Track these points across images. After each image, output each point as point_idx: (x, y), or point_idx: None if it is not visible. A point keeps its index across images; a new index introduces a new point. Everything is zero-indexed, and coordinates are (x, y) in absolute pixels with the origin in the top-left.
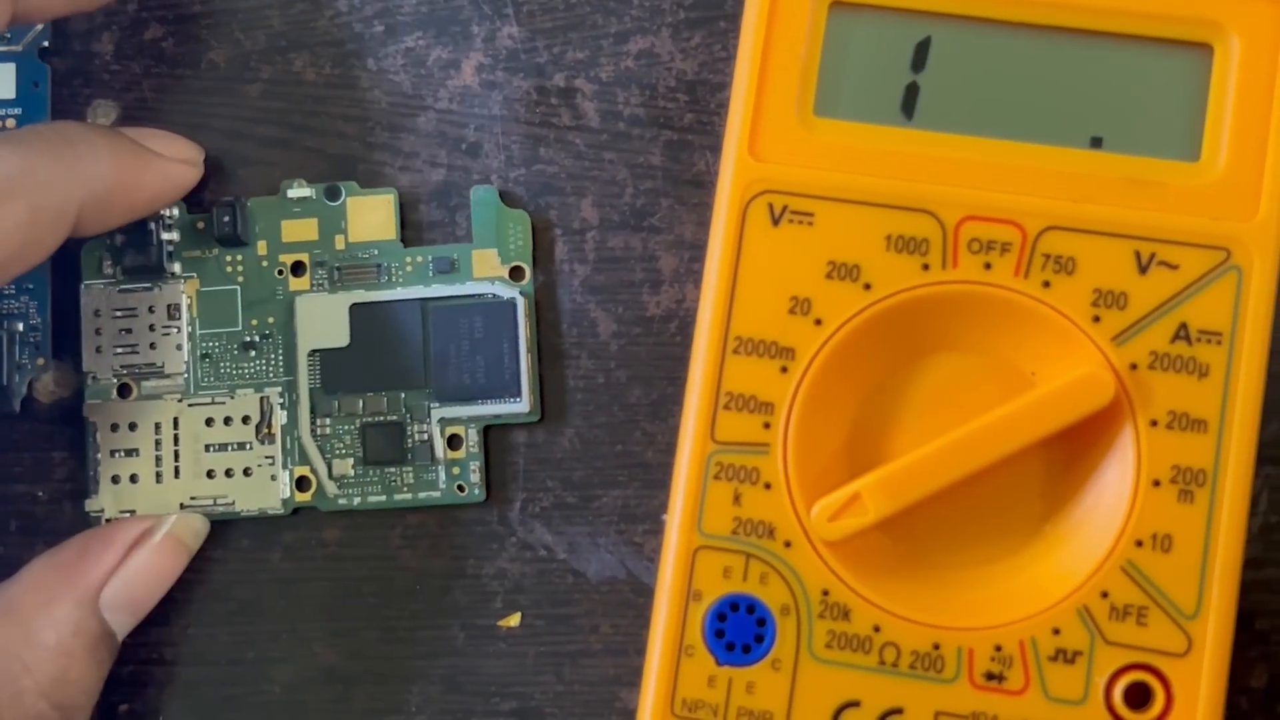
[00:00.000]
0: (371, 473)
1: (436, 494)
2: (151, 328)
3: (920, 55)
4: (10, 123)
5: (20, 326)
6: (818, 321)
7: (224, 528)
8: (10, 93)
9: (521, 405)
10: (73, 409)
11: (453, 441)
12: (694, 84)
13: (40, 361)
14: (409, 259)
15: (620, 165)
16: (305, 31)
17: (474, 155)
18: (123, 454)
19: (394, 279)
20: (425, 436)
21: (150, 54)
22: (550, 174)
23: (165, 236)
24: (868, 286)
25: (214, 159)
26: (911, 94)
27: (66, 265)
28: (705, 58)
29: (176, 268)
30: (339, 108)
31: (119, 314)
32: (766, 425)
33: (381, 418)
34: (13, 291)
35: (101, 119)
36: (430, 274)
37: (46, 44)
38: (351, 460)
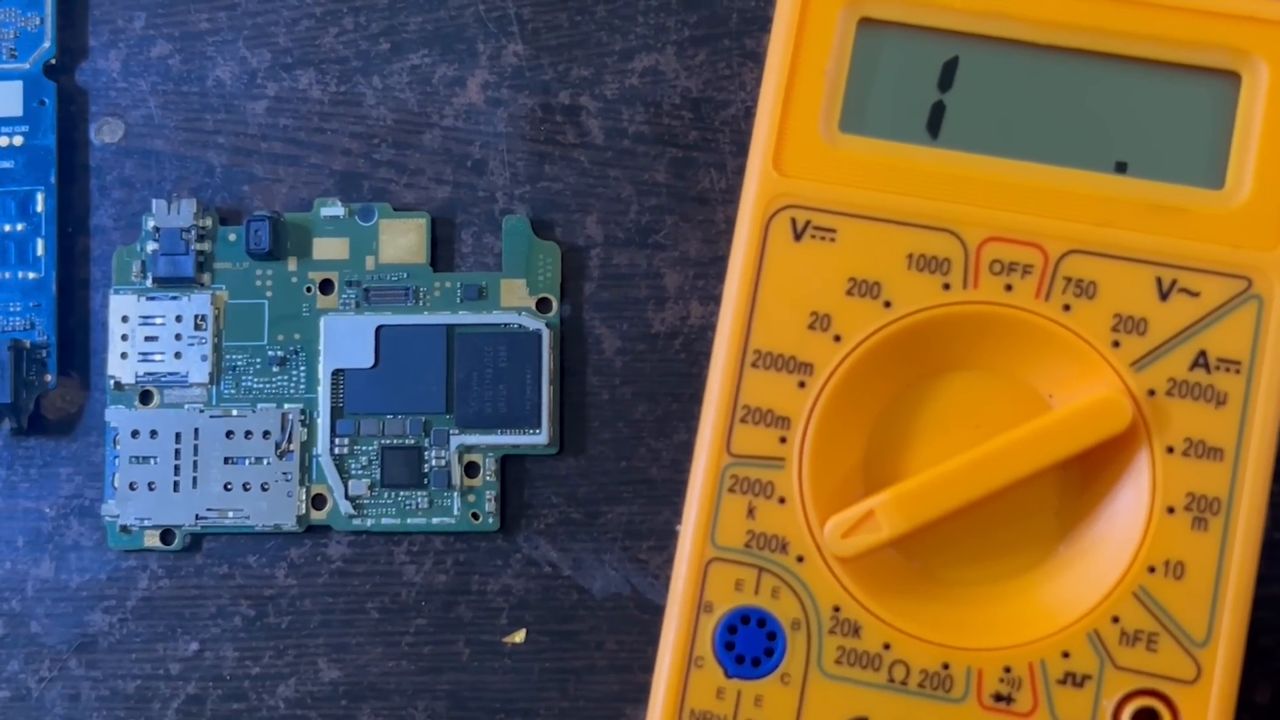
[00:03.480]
0: (387, 495)
1: (451, 520)
2: (178, 337)
3: (947, 75)
4: (17, 140)
5: (28, 343)
6: (837, 338)
7: (231, 543)
8: (17, 110)
9: (541, 437)
10: (79, 425)
11: (470, 469)
12: (698, 101)
13: (47, 378)
14: (438, 284)
15: (625, 182)
16: (311, 49)
17: (479, 172)
18: (141, 461)
19: (422, 303)
20: (443, 462)
21: (157, 71)
22: (555, 191)
23: (197, 247)
24: (888, 304)
25: (220, 176)
26: (937, 113)
27: (75, 281)
28: (710, 75)
29: (206, 279)
30: (344, 125)
31: (146, 321)
32: (783, 439)
33: (401, 441)
34: (19, 309)
35: (108, 136)
36: (458, 300)
37: (53, 61)
38: (368, 481)
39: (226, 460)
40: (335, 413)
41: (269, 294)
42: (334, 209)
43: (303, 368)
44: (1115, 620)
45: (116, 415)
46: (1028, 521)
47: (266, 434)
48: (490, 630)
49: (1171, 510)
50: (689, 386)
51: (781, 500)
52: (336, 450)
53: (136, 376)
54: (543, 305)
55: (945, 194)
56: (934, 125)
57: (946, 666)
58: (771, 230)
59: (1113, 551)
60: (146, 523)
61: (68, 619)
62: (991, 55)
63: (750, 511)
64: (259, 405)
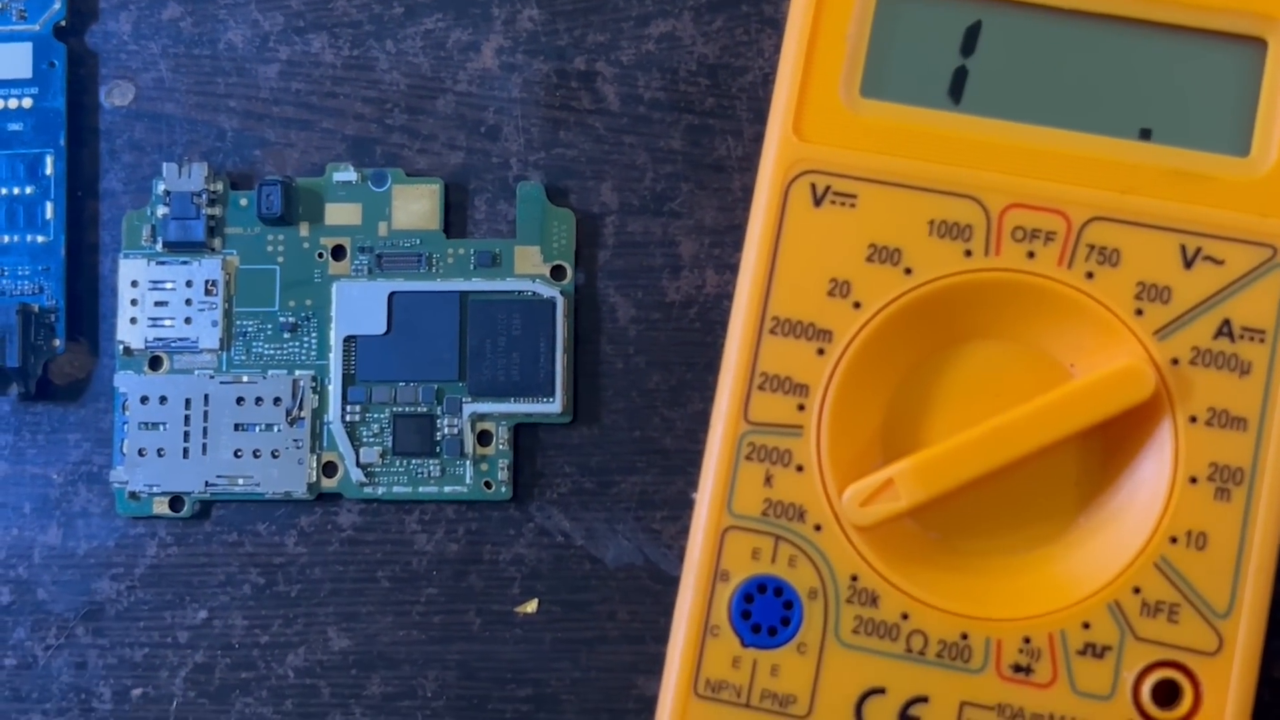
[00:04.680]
0: (399, 463)
1: (463, 489)
2: (188, 302)
3: (970, 39)
4: (27, 102)
5: (36, 308)
6: (856, 304)
7: (240, 510)
8: (26, 72)
9: (554, 406)
10: (88, 391)
11: (483, 437)
12: (715, 68)
13: (56, 343)
14: (451, 250)
15: (640, 149)
16: (324, 12)
17: (493, 138)
18: (150, 427)
19: (435, 270)
20: (456, 430)
21: (168, 34)
22: (570, 158)
23: (208, 211)
24: (908, 271)
25: (231, 140)
26: (960, 78)
27: (84, 245)
28: (727, 41)
29: (217, 243)
30: (357, 89)
31: (156, 286)
32: (801, 407)
33: (413, 408)
34: (28, 273)
35: (118, 99)
36: (471, 267)
37: (63, 23)
38: (380, 449)
39: (237, 427)
40: (347, 379)
41: (280, 259)
42: (346, 174)
43: (314, 334)
44: (1136, 591)
45: (125, 381)
46: (1048, 492)
47: (277, 401)
48: (502, 600)
49: (1194, 480)
50: (703, 356)
51: (799, 468)
52: (348, 417)
53: (146, 342)
54: (557, 273)
55: (967, 160)
56: (956, 90)
57: (965, 637)
58: (791, 196)
59: (1134, 522)
60: (155, 489)
61: (75, 586)
62: (1015, 20)
63: (768, 479)
64: (270, 371)
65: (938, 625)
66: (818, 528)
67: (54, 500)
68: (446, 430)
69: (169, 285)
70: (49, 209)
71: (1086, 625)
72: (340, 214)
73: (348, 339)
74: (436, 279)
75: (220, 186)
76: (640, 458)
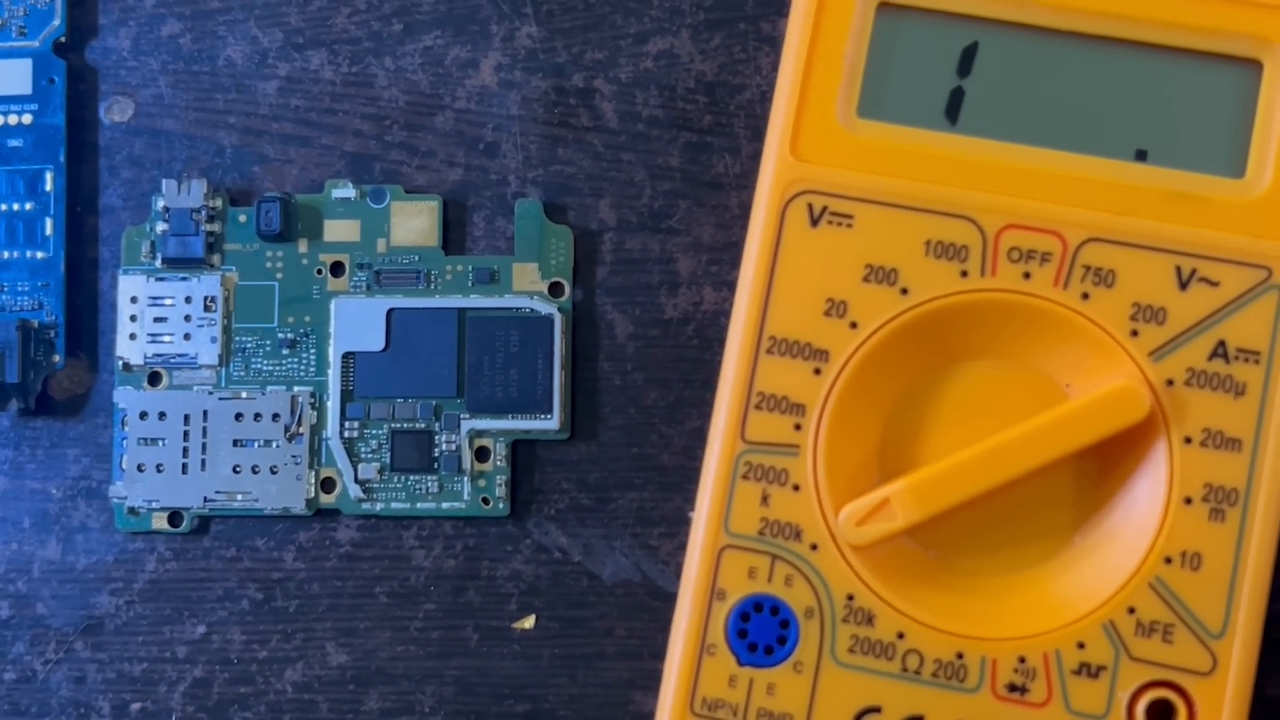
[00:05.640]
0: (397, 479)
1: (461, 505)
2: (187, 318)
3: (967, 60)
4: (26, 118)
5: (36, 323)
6: (853, 324)
7: (239, 526)
8: (26, 88)
9: (552, 423)
10: (87, 406)
11: (481, 454)
12: (713, 85)
13: (55, 358)
14: (449, 267)
15: (639, 166)
16: (323, 29)
17: (491, 155)
18: (149, 442)
19: (433, 286)
20: (454, 447)
21: (167, 50)
22: (568, 175)
23: (208, 228)
24: (905, 291)
25: (230, 156)
26: (956, 99)
27: (83, 261)
28: (725, 59)
29: (216, 260)
30: (356, 106)
31: (155, 302)
32: (797, 427)
33: (411, 425)
34: (28, 288)
35: (117, 115)
36: (470, 284)
37: (63, 39)
38: (378, 465)
39: (235, 443)
40: (345, 396)
41: (279, 276)
42: (345, 191)
43: (313, 350)
44: (1131, 611)
45: (125, 396)
46: (1044, 511)
47: (276, 417)
48: (499, 616)
49: (1189, 501)
50: (701, 373)
51: (796, 488)
52: (346, 433)
53: (145, 358)
54: (555, 289)
55: (963, 180)
56: (953, 111)
57: (960, 656)
58: (788, 216)
59: (1129, 542)
60: (154, 505)
61: (74, 601)
62: (1011, 41)
63: (764, 499)
64: (268, 388)
65: (933, 644)
66: (814, 547)
67: (53, 515)
68: (445, 446)
69: (168, 301)
70: (49, 225)
71: (1081, 645)
72: (339, 230)
73: (346, 355)
74: (435, 295)
75: (219, 203)
76: (638, 474)
